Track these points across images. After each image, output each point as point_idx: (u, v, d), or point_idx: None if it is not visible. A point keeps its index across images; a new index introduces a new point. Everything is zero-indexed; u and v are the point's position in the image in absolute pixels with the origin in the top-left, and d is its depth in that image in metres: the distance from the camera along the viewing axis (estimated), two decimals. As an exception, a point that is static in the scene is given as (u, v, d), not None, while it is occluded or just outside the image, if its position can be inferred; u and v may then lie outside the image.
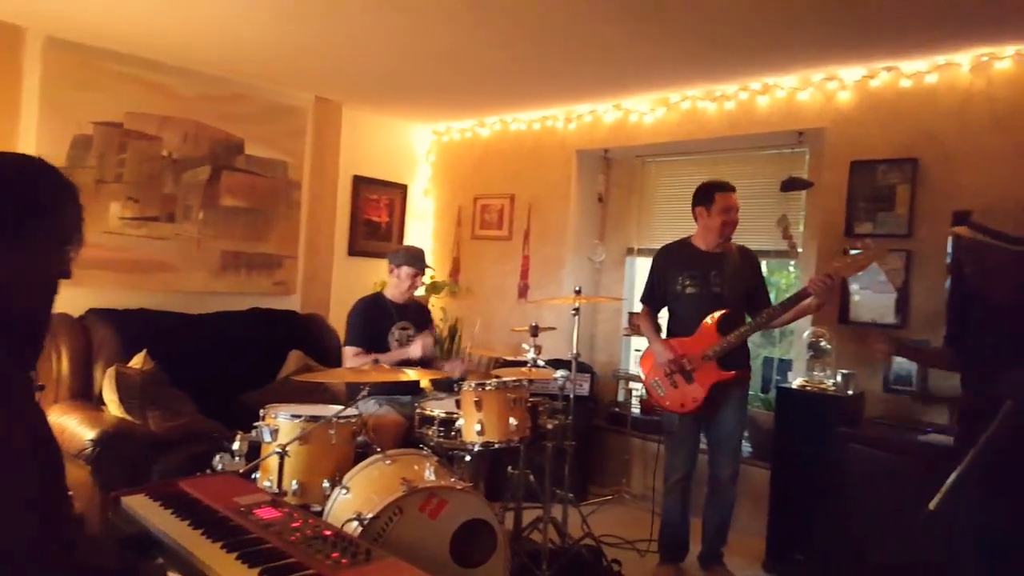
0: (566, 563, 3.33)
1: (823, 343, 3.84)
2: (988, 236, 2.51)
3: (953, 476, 2.25)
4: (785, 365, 4.57)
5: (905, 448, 3.27)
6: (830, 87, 4.13)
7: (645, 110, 4.92)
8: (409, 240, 6.11)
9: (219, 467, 2.61)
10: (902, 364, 3.77)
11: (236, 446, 2.71)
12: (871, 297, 3.82)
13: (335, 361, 4.83)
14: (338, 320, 4.55)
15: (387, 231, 6.05)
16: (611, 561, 3.53)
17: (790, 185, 4.15)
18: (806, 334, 3.92)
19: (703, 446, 3.69)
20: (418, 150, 6.30)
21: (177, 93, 4.69)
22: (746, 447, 4.22)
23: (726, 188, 3.56)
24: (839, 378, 3.74)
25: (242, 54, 4.42)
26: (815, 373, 3.85)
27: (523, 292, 5.58)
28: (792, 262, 4.51)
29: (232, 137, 4.96)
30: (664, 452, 3.74)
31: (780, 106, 4.34)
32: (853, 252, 3.14)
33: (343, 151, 5.61)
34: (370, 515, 2.47)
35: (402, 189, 6.15)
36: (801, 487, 3.67)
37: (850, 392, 3.70)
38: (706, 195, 3.57)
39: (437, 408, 3.27)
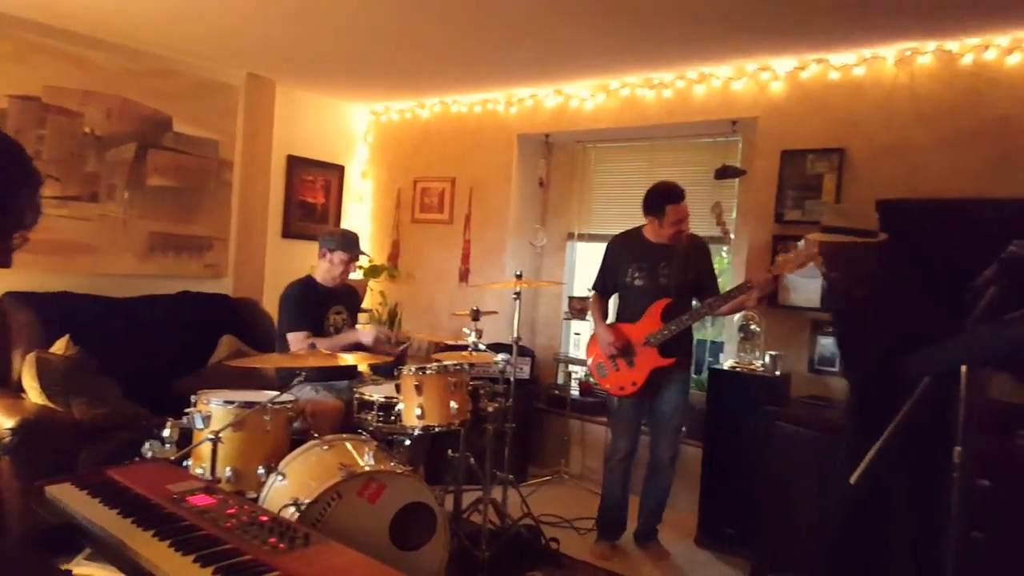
0: (505, 543, 3.38)
1: (753, 326, 3.97)
2: (841, 235, 2.72)
3: (872, 452, 2.38)
4: (717, 347, 4.70)
5: (828, 426, 3.40)
6: (763, 77, 4.23)
7: (586, 96, 4.96)
8: (346, 223, 6.02)
9: (149, 455, 2.54)
10: (827, 346, 3.93)
11: (167, 433, 2.64)
12: (799, 282, 3.95)
13: (269, 346, 4.73)
14: (272, 304, 4.46)
15: (323, 213, 5.95)
16: (549, 539, 3.59)
17: (724, 173, 4.25)
18: (737, 317, 4.04)
19: (645, 428, 3.77)
20: (356, 130, 6.20)
21: (100, 67, 4.48)
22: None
23: (676, 199, 3.55)
24: (767, 359, 3.88)
25: (170, 28, 4.26)
26: (745, 355, 3.99)
27: (464, 276, 5.57)
28: (725, 247, 4.63)
29: (159, 114, 4.78)
30: (606, 432, 3.82)
31: (715, 95, 4.43)
32: (798, 246, 3.24)
33: (277, 130, 5.48)
34: (307, 500, 2.46)
35: (339, 170, 6.04)
36: (732, 464, 3.80)
37: (778, 373, 3.84)
38: (657, 207, 3.58)
39: (376, 393, 3.24)
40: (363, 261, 4.68)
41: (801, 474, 3.43)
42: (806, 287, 3.93)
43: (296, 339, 3.65)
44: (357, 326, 3.96)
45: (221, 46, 4.64)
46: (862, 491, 2.73)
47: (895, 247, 3.37)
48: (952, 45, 3.64)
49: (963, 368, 2.39)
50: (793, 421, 3.53)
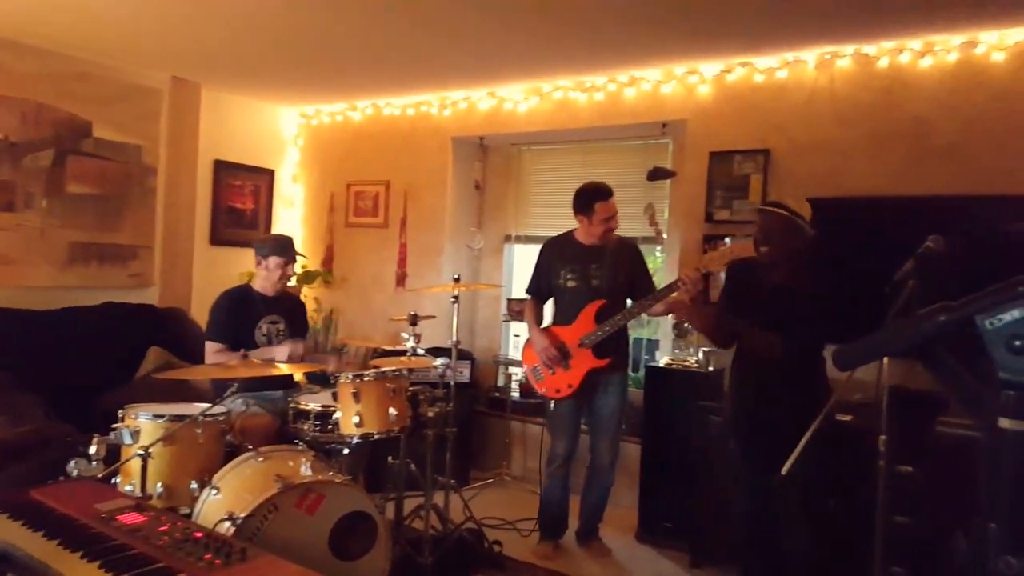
0: (448, 548, 3.36)
1: (686, 324, 4.05)
2: (785, 210, 2.90)
3: (802, 442, 2.46)
4: (653, 345, 4.79)
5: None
6: (691, 81, 4.34)
7: (519, 98, 4.98)
8: (278, 228, 5.90)
9: (74, 473, 2.43)
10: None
11: (93, 450, 2.53)
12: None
13: (199, 357, 4.58)
14: (201, 314, 4.33)
15: (252, 219, 5.81)
16: (492, 542, 3.59)
17: (655, 174, 4.34)
18: (671, 315, 4.12)
19: (585, 428, 3.81)
20: (285, 134, 6.08)
21: (12, 70, 4.28)
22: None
23: (604, 196, 3.59)
24: (701, 355, 3.97)
25: (88, 29, 4.09)
26: (680, 352, 4.07)
27: (401, 280, 5.52)
28: (658, 247, 4.72)
29: (78, 119, 4.59)
30: (547, 434, 3.83)
31: (645, 98, 4.51)
32: (725, 244, 3.33)
33: (203, 134, 5.32)
34: (243, 514, 2.40)
35: (268, 174, 5.91)
36: (670, 460, 3.87)
37: (711, 368, 3.93)
38: (586, 205, 3.61)
39: (312, 402, 3.19)
40: (297, 267, 4.58)
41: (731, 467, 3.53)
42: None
43: (210, 349, 3.55)
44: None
45: (143, 48, 4.48)
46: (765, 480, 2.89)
47: (816, 244, 3.51)
48: (869, 48, 3.80)
49: (884, 360, 2.52)
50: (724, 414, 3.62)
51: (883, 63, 3.78)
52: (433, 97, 5.36)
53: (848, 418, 3.31)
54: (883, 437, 2.47)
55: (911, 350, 0.87)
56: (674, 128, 4.49)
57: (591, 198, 3.60)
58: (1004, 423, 0.76)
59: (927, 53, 3.65)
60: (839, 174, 3.85)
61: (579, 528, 3.85)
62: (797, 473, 2.68)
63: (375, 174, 5.70)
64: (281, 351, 3.51)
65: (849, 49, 3.85)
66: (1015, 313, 0.75)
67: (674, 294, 3.40)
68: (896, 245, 2.56)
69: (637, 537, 3.97)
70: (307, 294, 5.65)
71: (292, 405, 3.19)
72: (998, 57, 3.49)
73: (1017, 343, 0.75)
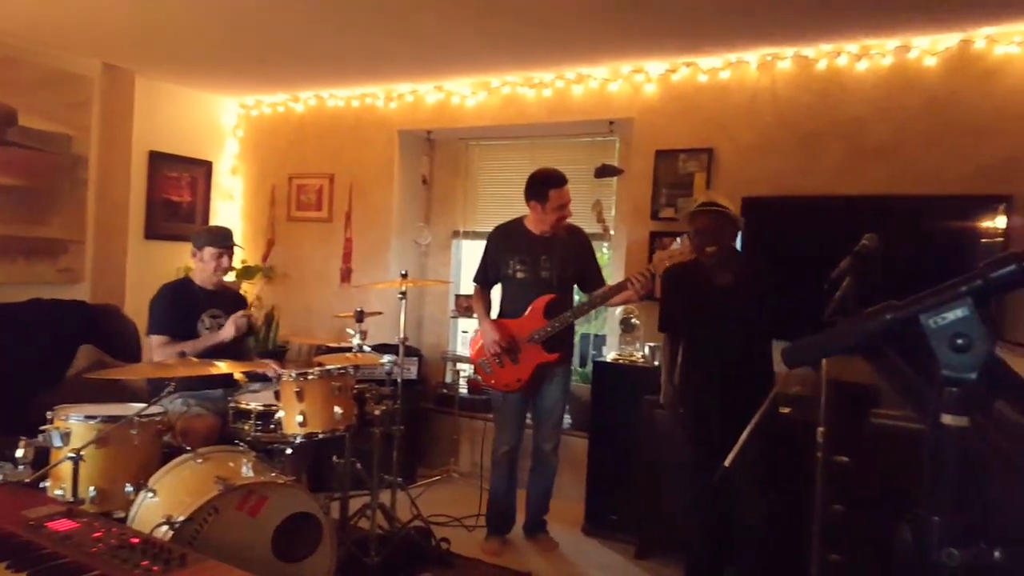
0: (395, 547, 3.32)
1: (633, 319, 4.10)
2: (723, 208, 2.99)
3: (743, 436, 2.51)
4: (600, 340, 4.83)
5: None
6: (637, 79, 4.38)
7: (467, 93, 4.95)
8: (216, 221, 5.74)
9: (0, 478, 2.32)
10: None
11: (20, 454, 2.42)
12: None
13: (135, 355, 4.45)
14: (135, 310, 4.20)
15: (190, 211, 5.64)
16: (440, 540, 3.56)
17: (603, 172, 4.37)
18: (618, 311, 4.17)
19: (529, 421, 3.81)
20: (224, 124, 5.91)
21: (-71, 52, 4.05)
22: (566, 419, 4.41)
23: (559, 183, 3.59)
24: (647, 350, 4.02)
25: (14, 12, 3.89)
26: (626, 347, 4.12)
27: (346, 276, 5.44)
28: (606, 244, 4.75)
29: (2, 106, 4.37)
30: (493, 428, 3.83)
31: (593, 96, 4.54)
32: (674, 244, 3.37)
33: (137, 124, 5.14)
34: (181, 518, 2.33)
35: (206, 166, 5.75)
36: (616, 453, 3.91)
37: (656, 363, 3.98)
38: (540, 191, 3.59)
39: (253, 401, 3.11)
40: (236, 261, 4.46)
41: (678, 459, 3.58)
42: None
43: (154, 342, 3.45)
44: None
45: (72, 34, 4.29)
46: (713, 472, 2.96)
47: (757, 241, 3.60)
48: (808, 51, 3.89)
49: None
50: (672, 409, 3.68)
51: (821, 65, 3.88)
52: (379, 89, 5.29)
53: (787, 411, 3.40)
54: (821, 429, 2.54)
55: (857, 348, 0.89)
56: (621, 126, 4.53)
57: (546, 184, 3.58)
58: (946, 419, 0.78)
59: (863, 56, 3.77)
60: (780, 173, 3.94)
61: (526, 521, 3.87)
62: (752, 465, 2.76)
63: (318, 167, 5.59)
64: (226, 331, 3.46)
65: (789, 51, 3.94)
66: (958, 312, 0.77)
67: (622, 294, 3.43)
68: (834, 243, 2.64)
69: (584, 530, 4.00)
70: (247, 290, 5.51)
71: (232, 404, 3.10)
72: (930, 62, 3.62)
73: (959, 341, 0.77)
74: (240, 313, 3.54)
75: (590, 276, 3.69)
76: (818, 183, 3.84)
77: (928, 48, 3.61)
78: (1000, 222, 3.35)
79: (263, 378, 3.55)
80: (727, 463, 2.53)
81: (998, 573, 0.75)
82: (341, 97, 5.47)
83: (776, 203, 3.86)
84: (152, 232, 5.35)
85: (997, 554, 0.74)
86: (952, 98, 3.57)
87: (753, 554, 3.11)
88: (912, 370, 0.89)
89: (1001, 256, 0.78)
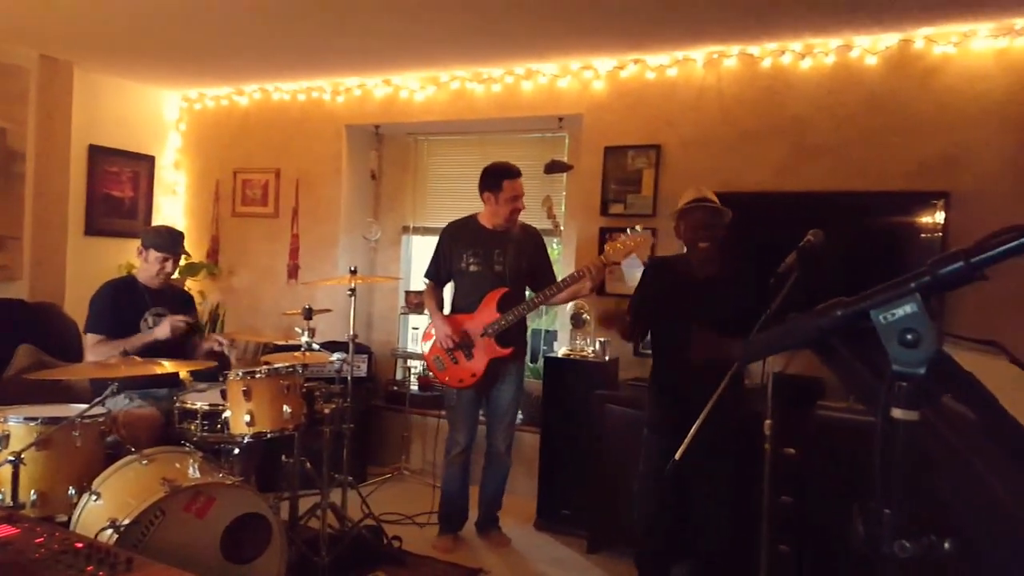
0: (346, 546, 3.28)
1: (584, 315, 4.13)
2: (711, 203, 3.00)
3: (693, 429, 2.55)
4: (551, 336, 4.85)
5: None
6: (586, 76, 4.40)
7: (416, 87, 4.91)
8: (159, 217, 5.59)
9: (-71, 487, 2.22)
10: (651, 331, 4.17)
11: (-47, 460, 2.32)
12: (625, 271, 4.15)
13: (75, 354, 4.28)
14: (75, 308, 4.05)
15: (131, 207, 5.47)
16: (392, 538, 3.53)
17: (553, 167, 4.38)
18: (569, 306, 4.18)
19: (483, 417, 3.81)
20: (167, 118, 5.74)
21: None
22: (518, 414, 4.43)
23: (513, 174, 3.60)
24: (597, 346, 4.06)
25: (-63, -5, 3.71)
26: (577, 342, 4.15)
27: (293, 273, 5.35)
28: (556, 239, 4.77)
29: (-73, 95, 4.16)
30: (446, 426, 3.81)
31: (542, 92, 4.54)
32: (624, 235, 3.39)
33: (76, 117, 4.96)
34: (127, 521, 2.27)
35: (148, 161, 5.58)
36: (568, 448, 3.94)
37: (607, 358, 4.03)
38: (494, 182, 3.60)
39: (199, 401, 3.03)
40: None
41: (630, 452, 3.62)
42: (631, 275, 4.15)
43: (88, 341, 3.34)
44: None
45: (7, 23, 4.11)
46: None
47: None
48: (754, 49, 3.97)
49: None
50: (621, 403, 3.72)
51: (766, 63, 3.96)
52: (325, 83, 5.20)
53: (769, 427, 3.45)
54: (768, 421, 2.60)
55: (809, 343, 0.91)
56: (570, 122, 4.55)
57: (500, 175, 3.59)
58: (897, 413, 0.80)
59: (807, 55, 3.85)
60: (726, 170, 4.01)
61: (478, 518, 3.86)
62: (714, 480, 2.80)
63: (264, 162, 5.48)
64: (162, 329, 3.36)
65: (735, 49, 4.01)
66: (907, 308, 0.79)
67: (576, 285, 3.44)
68: (779, 238, 2.70)
69: (536, 525, 4.02)
70: (191, 287, 5.37)
71: (178, 404, 3.02)
72: (871, 61, 3.72)
73: (909, 337, 0.79)
74: (181, 318, 3.44)
75: (542, 274, 3.70)
76: (763, 179, 3.92)
77: (869, 47, 3.72)
78: (939, 217, 3.48)
79: (210, 377, 3.46)
80: (677, 456, 2.57)
81: (948, 564, 0.78)
82: (287, 91, 5.36)
83: (722, 199, 3.91)
84: (93, 228, 5.17)
85: (947, 545, 0.77)
86: (892, 96, 3.68)
87: (710, 556, 3.13)
88: (862, 365, 0.91)
89: (949, 253, 0.80)
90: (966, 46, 3.54)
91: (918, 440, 0.79)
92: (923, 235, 3.54)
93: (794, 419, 2.96)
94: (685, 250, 3.16)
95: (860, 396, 0.93)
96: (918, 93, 3.64)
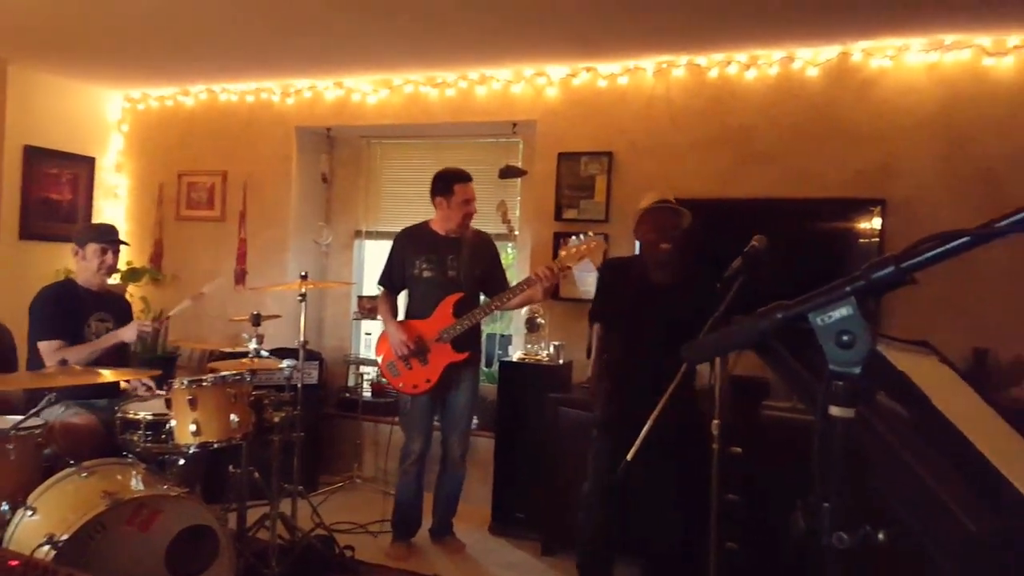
0: (297, 557, 3.23)
1: (538, 318, 4.15)
2: (670, 204, 3.03)
3: (644, 430, 2.59)
4: (506, 340, 4.86)
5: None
6: (539, 82, 4.43)
7: (368, 90, 4.87)
8: (100, 220, 5.42)
9: None
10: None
11: None
12: (578, 276, 4.19)
13: (9, 365, 4.12)
14: (10, 316, 3.90)
15: (70, 211, 5.30)
16: (344, 548, 3.49)
17: (507, 173, 4.40)
18: (524, 311, 4.20)
19: (437, 423, 3.79)
20: (108, 119, 5.59)
21: None
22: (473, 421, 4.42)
23: (464, 179, 3.61)
24: (552, 349, 4.08)
25: None
26: (531, 346, 4.16)
27: (240, 278, 5.24)
28: (511, 244, 4.79)
29: None
30: (400, 433, 3.78)
31: (496, 97, 4.56)
32: (574, 241, 3.42)
33: (10, 117, 4.80)
34: (65, 536, 2.19)
35: (88, 163, 5.42)
36: (523, 452, 3.95)
37: (561, 361, 4.05)
38: (445, 186, 3.60)
39: (142, 411, 2.95)
40: (121, 263, 4.22)
41: (584, 455, 3.64)
42: (584, 279, 4.19)
43: (48, 348, 3.22)
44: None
45: (-68, 15, 3.95)
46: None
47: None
48: (701, 59, 4.05)
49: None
50: (576, 406, 3.74)
51: (713, 73, 4.05)
52: (275, 84, 5.13)
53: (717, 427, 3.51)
54: (716, 421, 2.65)
55: (751, 345, 0.94)
56: (524, 128, 4.57)
57: (451, 180, 3.60)
58: (834, 411, 0.83)
59: (752, 66, 3.95)
60: (675, 176, 4.08)
61: (433, 525, 3.84)
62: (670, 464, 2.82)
63: (210, 164, 5.37)
64: (128, 331, 3.28)
65: (683, 59, 4.09)
66: (843, 311, 0.82)
67: (530, 290, 3.46)
68: (725, 244, 2.76)
69: (491, 530, 4.02)
70: (133, 293, 5.23)
71: (120, 415, 2.93)
72: (812, 72, 3.84)
73: (845, 338, 0.82)
74: (148, 323, 3.35)
75: (494, 280, 3.71)
76: (711, 186, 4.00)
77: (811, 59, 3.83)
78: (876, 223, 3.60)
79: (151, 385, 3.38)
80: (629, 457, 2.60)
81: (882, 553, 0.81)
82: (235, 92, 5.27)
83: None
84: (28, 232, 5.00)
85: (881, 536, 0.80)
86: (832, 107, 3.80)
87: (661, 557, 3.16)
88: (801, 365, 0.94)
89: (881, 259, 0.83)
90: (900, 60, 3.68)
91: (854, 436, 0.83)
92: (861, 240, 3.66)
93: (740, 419, 3.03)
94: (639, 252, 3.19)
95: (800, 395, 0.96)
96: (856, 104, 3.76)
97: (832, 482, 0.82)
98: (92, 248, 3.39)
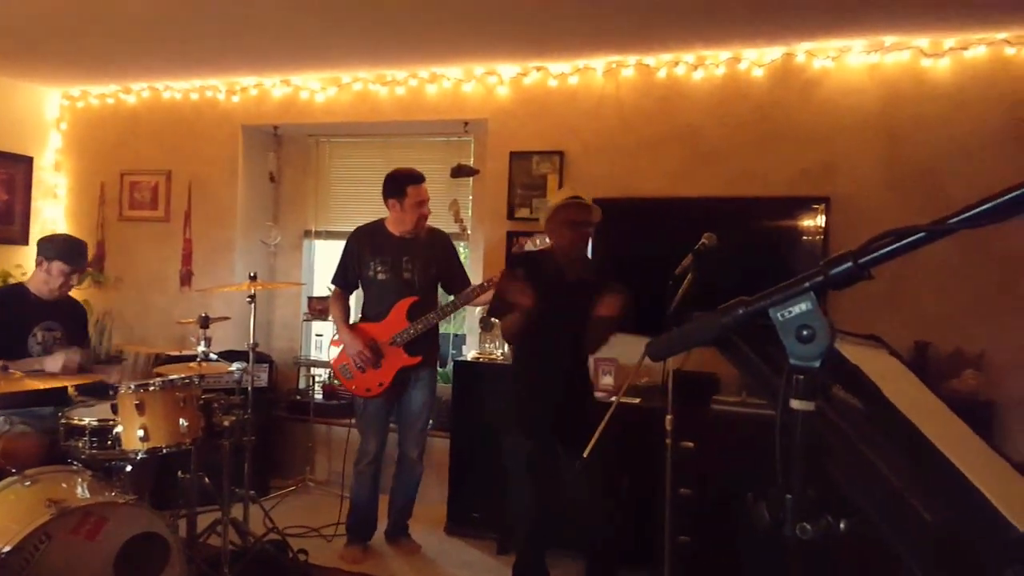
0: (249, 563, 3.17)
1: (492, 319, 4.14)
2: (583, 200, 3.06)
3: (600, 427, 2.62)
4: (460, 340, 4.85)
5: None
6: (490, 81, 4.43)
7: (316, 88, 4.80)
8: (39, 222, 5.25)
9: None
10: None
11: None
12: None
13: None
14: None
15: (7, 212, 5.10)
16: (297, 552, 3.44)
17: (459, 172, 4.38)
18: (477, 311, 4.19)
19: (393, 425, 3.76)
20: (46, 117, 5.39)
21: None
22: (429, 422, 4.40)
23: (417, 180, 3.57)
24: (506, 348, 4.08)
25: None
26: (486, 345, 4.16)
27: (186, 280, 5.12)
28: (463, 243, 4.78)
29: None
30: (353, 435, 3.74)
31: (447, 96, 4.54)
32: (532, 243, 3.41)
33: (-61, 114, 4.58)
34: (7, 548, 2.13)
35: (26, 162, 5.22)
36: (478, 452, 3.94)
37: (516, 361, 4.06)
38: (397, 188, 3.56)
39: (87, 416, 2.86)
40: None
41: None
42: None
43: None
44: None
45: None
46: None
47: (604, 240, 3.70)
48: (649, 60, 4.11)
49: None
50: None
51: (662, 74, 4.11)
52: (220, 82, 5.02)
53: (637, 400, 3.58)
54: (669, 416, 2.70)
55: (712, 341, 0.96)
56: (475, 127, 4.57)
57: (403, 181, 3.56)
58: (795, 404, 0.85)
59: (699, 66, 4.03)
60: (626, 176, 4.13)
61: (388, 527, 3.82)
62: (596, 456, 2.84)
63: (154, 163, 5.23)
64: (53, 362, 3.09)
65: (632, 59, 4.14)
66: (802, 306, 0.85)
67: (486, 294, 3.44)
68: (675, 242, 2.82)
69: (446, 530, 4.00)
70: (74, 296, 5.05)
71: (64, 421, 2.83)
72: (758, 73, 3.93)
73: (805, 333, 0.84)
74: (76, 357, 3.17)
75: (454, 277, 3.70)
76: (661, 185, 4.06)
77: (756, 60, 3.92)
78: (820, 221, 3.71)
79: (98, 391, 3.26)
80: (584, 454, 2.63)
81: (843, 541, 0.84)
82: (178, 89, 5.14)
83: (622, 204, 4.03)
84: (-42, 234, 4.79)
85: (842, 524, 0.83)
86: (777, 107, 3.90)
87: (602, 549, 3.15)
88: (761, 360, 0.97)
89: (838, 255, 0.86)
90: (843, 60, 3.79)
91: (814, 429, 0.85)
92: (806, 238, 3.76)
93: (691, 414, 3.09)
94: (546, 247, 3.12)
95: (760, 389, 0.99)
96: (800, 104, 3.87)
97: (794, 474, 0.84)
98: (58, 267, 3.26)
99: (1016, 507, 0.89)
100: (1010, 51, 3.55)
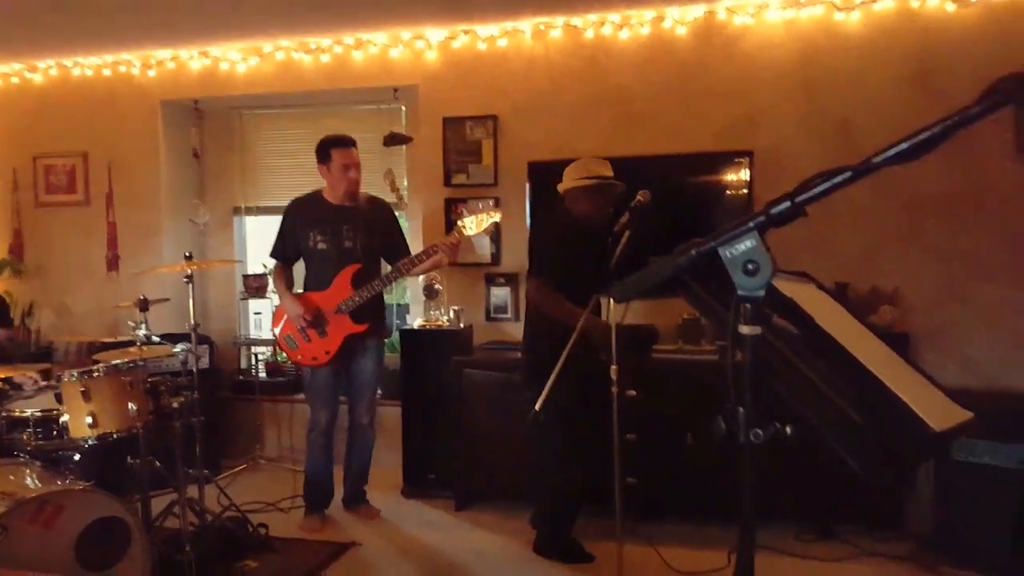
0: (211, 540, 3.18)
1: (436, 285, 4.20)
2: (596, 179, 3.14)
3: (550, 381, 2.72)
4: (403, 310, 4.88)
5: (506, 366, 3.76)
6: (418, 46, 4.41)
7: (237, 59, 4.68)
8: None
9: None
10: (498, 295, 4.33)
11: None
12: (474, 241, 4.25)
13: None
14: None
15: (-94, 203, 4.82)
16: (258, 526, 3.46)
17: (391, 140, 4.37)
18: (421, 279, 4.23)
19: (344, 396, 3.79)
20: (-55, 100, 5.09)
21: None
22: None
23: (343, 144, 3.57)
24: (451, 314, 4.15)
25: None
26: (432, 312, 4.21)
27: (113, 264, 4.96)
28: (402, 213, 4.78)
29: None
30: (300, 411, 3.75)
31: (374, 62, 4.50)
32: (469, 218, 3.48)
33: None
34: (-36, 544, 2.08)
35: (-74, 149, 4.93)
36: (429, 415, 4.02)
37: (461, 325, 4.13)
38: (324, 153, 3.56)
39: (28, 408, 2.81)
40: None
41: (489, 411, 3.77)
42: (479, 244, 4.28)
43: None
44: None
45: None
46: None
47: (540, 203, 3.78)
48: (577, 21, 4.16)
49: (611, 301, 2.87)
50: (478, 366, 3.86)
51: (589, 34, 4.18)
52: (134, 56, 4.83)
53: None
54: (615, 367, 2.82)
55: (669, 280, 1.05)
56: (406, 93, 4.54)
57: (329, 145, 3.57)
58: (744, 329, 0.96)
59: (624, 26, 4.11)
60: (558, 137, 4.20)
61: (345, 495, 3.87)
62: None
63: (68, 145, 5.02)
64: None
65: (559, 20, 4.18)
66: (747, 243, 0.95)
67: (432, 259, 3.48)
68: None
69: (403, 493, 4.08)
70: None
71: (4, 414, 2.77)
72: (681, 31, 4.04)
73: (750, 266, 0.94)
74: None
75: (396, 247, 3.72)
76: (594, 146, 4.13)
77: (679, 18, 4.02)
78: (744, 175, 3.87)
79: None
80: (537, 407, 2.73)
81: (788, 443, 0.96)
82: (89, 66, 4.92)
83: (557, 166, 4.07)
84: None
85: (788, 429, 0.95)
86: (701, 64, 4.02)
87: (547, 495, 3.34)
88: (710, 296, 1.07)
89: (778, 197, 0.96)
90: (761, 17, 3.93)
91: (759, 351, 0.96)
92: (730, 192, 3.93)
93: (634, 364, 3.23)
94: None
95: (713, 320, 1.09)
96: (722, 61, 4.00)
97: (745, 389, 0.95)
98: None
99: (929, 410, 1.03)
100: (915, 3, 3.75)
